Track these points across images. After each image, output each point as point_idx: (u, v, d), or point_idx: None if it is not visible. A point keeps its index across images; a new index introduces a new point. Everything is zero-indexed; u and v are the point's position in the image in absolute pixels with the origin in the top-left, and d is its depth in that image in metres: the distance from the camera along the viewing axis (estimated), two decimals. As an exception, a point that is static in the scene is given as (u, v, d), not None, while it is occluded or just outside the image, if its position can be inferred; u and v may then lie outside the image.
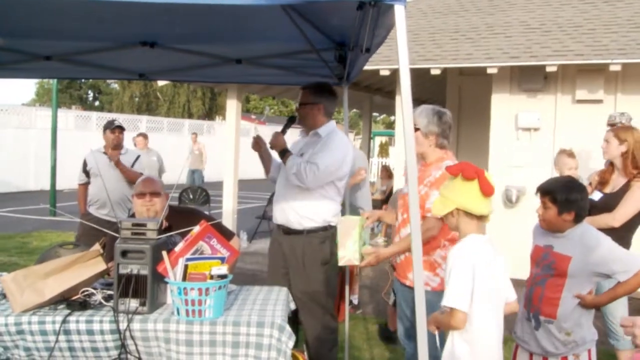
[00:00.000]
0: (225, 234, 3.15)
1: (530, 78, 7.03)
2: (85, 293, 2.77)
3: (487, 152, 7.26)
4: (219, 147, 15.83)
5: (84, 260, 2.80)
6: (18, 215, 12.93)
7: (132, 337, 2.55)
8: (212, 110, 40.13)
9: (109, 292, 2.79)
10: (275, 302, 2.90)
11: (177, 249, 2.69)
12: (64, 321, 2.55)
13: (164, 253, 2.64)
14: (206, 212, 5.31)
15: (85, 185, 5.68)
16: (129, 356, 2.56)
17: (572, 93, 6.94)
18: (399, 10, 2.01)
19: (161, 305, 2.75)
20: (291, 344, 2.56)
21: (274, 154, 3.79)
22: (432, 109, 3.11)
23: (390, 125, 37.00)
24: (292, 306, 3.19)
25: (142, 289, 2.61)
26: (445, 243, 2.99)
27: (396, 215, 3.33)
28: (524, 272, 2.96)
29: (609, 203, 3.77)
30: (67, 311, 2.61)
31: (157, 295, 2.70)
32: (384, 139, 28.45)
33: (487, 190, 2.38)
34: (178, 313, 2.58)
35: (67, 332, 2.55)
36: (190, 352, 2.55)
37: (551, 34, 7.44)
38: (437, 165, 3.04)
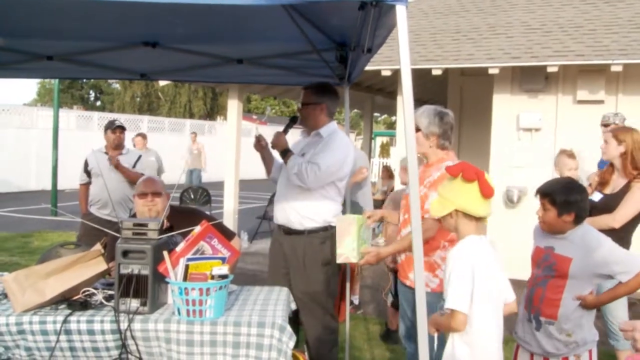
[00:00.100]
0: (226, 234, 3.15)
1: (531, 78, 7.02)
2: (86, 293, 2.77)
3: (489, 153, 7.26)
4: (220, 147, 15.82)
5: (85, 260, 2.80)
6: (19, 215, 12.94)
7: (133, 337, 2.55)
8: (214, 111, 40.13)
9: (110, 292, 2.79)
10: (276, 302, 2.90)
11: (178, 249, 2.70)
12: (65, 321, 2.55)
13: (165, 253, 2.64)
14: (207, 212, 5.32)
15: (86, 185, 5.68)
16: (129, 356, 2.57)
17: (573, 93, 6.93)
18: (400, 11, 2.01)
19: (162, 305, 2.75)
20: (292, 344, 2.56)
21: (276, 154, 3.79)
22: (434, 109, 3.10)
23: (392, 125, 36.99)
24: (293, 306, 3.19)
25: (143, 289, 2.61)
26: (445, 244, 2.99)
27: (399, 215, 3.33)
28: (525, 272, 2.96)
29: (609, 204, 3.77)
30: (68, 311, 2.62)
31: (158, 295, 2.70)
32: (385, 139, 28.45)
33: (487, 192, 2.37)
34: (179, 313, 2.58)
35: (68, 332, 2.55)
36: (191, 352, 2.55)
37: (552, 34, 7.44)
38: (438, 166, 3.03)
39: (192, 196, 10.64)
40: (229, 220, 8.63)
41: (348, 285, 4.17)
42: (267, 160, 3.89)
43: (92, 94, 49.46)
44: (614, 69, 6.40)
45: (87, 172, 5.64)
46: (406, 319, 3.29)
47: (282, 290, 3.15)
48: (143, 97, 40.57)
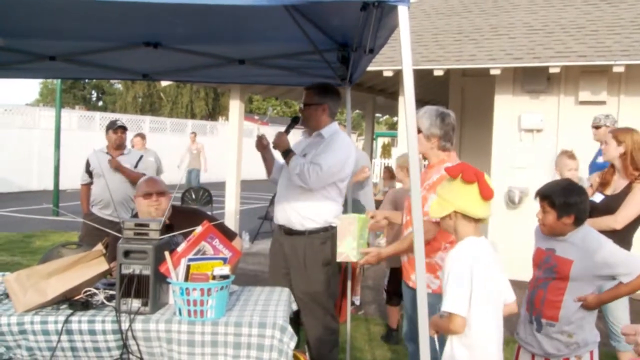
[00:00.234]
0: (228, 235, 3.15)
1: (533, 79, 7.03)
2: (88, 293, 2.77)
3: (490, 153, 7.26)
4: (221, 147, 15.83)
5: (86, 260, 2.80)
6: (21, 215, 12.96)
7: (134, 338, 2.55)
8: (215, 111, 40.17)
9: (111, 292, 2.79)
10: (277, 302, 2.90)
11: (180, 249, 2.70)
12: (66, 321, 2.55)
13: (167, 253, 2.64)
14: (209, 213, 5.33)
15: (88, 186, 5.69)
16: (130, 356, 2.57)
17: (575, 94, 6.93)
18: (402, 11, 2.01)
19: (163, 305, 2.75)
20: (293, 344, 2.56)
21: (277, 155, 3.79)
22: (436, 110, 3.09)
23: (393, 126, 37.00)
24: (294, 307, 3.19)
25: (145, 289, 2.61)
26: (447, 246, 2.98)
27: (402, 215, 3.33)
28: (527, 273, 2.95)
29: (611, 205, 3.76)
30: (70, 311, 2.62)
31: (159, 295, 2.70)
32: (386, 140, 28.46)
33: (486, 193, 2.36)
34: (180, 313, 2.59)
35: (69, 332, 2.56)
36: (192, 352, 2.55)
37: (554, 35, 7.44)
38: (438, 169, 3.02)
39: (194, 196, 10.65)
40: (231, 221, 8.64)
41: (349, 285, 4.17)
42: (268, 160, 3.89)
43: (94, 94, 49.52)
44: (616, 69, 6.40)
45: (89, 173, 5.64)
46: (408, 320, 3.29)
47: (283, 291, 3.15)
48: (145, 98, 40.61)
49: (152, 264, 2.61)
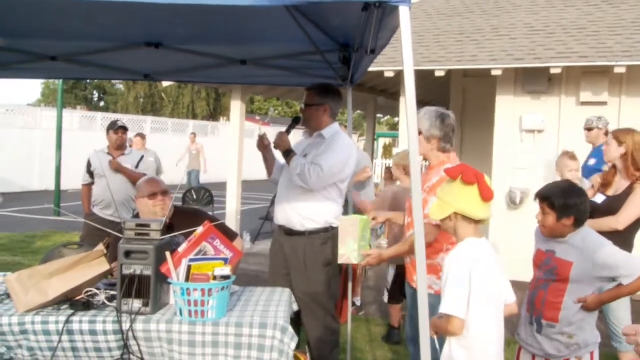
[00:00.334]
0: (229, 235, 3.16)
1: (534, 80, 7.02)
2: (89, 293, 2.78)
3: (491, 154, 7.25)
4: (223, 148, 15.85)
5: (87, 261, 2.80)
6: (22, 215, 12.97)
7: (135, 338, 2.55)
8: (217, 111, 40.19)
9: (113, 292, 2.80)
10: (278, 303, 2.90)
11: (181, 249, 2.70)
12: (67, 321, 2.56)
13: (168, 254, 2.64)
14: (210, 213, 5.33)
15: (89, 186, 5.69)
16: (131, 357, 2.57)
17: (577, 95, 6.93)
18: (403, 12, 2.00)
19: (164, 305, 2.75)
20: (293, 345, 2.56)
21: (278, 155, 3.79)
22: (435, 111, 3.08)
23: (395, 126, 36.98)
24: (295, 307, 3.19)
25: (146, 290, 2.62)
26: (449, 247, 2.98)
27: (404, 216, 3.33)
28: (528, 274, 2.95)
29: (612, 206, 3.76)
30: (71, 311, 2.62)
31: (160, 295, 2.71)
32: (388, 140, 28.47)
33: (487, 195, 2.35)
34: (181, 314, 2.59)
35: (70, 332, 2.56)
36: (193, 353, 2.55)
37: (555, 36, 7.44)
38: (438, 170, 3.02)
39: (195, 197, 10.65)
40: (232, 221, 8.64)
41: (350, 286, 4.17)
42: (269, 160, 3.89)
43: (96, 95, 49.55)
44: (617, 70, 6.39)
45: (90, 173, 5.65)
46: (411, 321, 3.29)
47: (284, 292, 3.15)
48: (146, 98, 40.63)
49: (153, 264, 2.61)
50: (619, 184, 3.85)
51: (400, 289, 4.83)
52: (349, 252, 3.02)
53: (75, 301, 2.71)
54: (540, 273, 2.81)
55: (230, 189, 9.04)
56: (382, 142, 27.67)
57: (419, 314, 2.18)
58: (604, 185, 3.95)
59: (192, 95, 38.48)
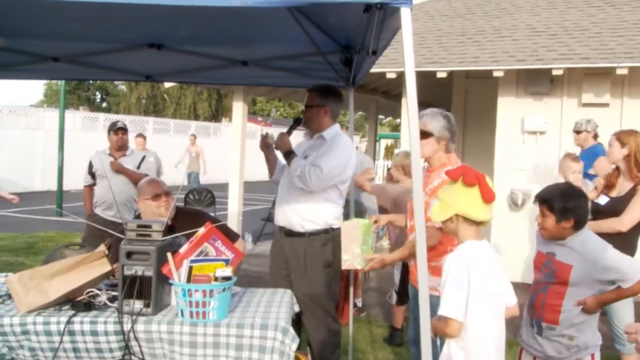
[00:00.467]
0: (230, 236, 3.15)
1: (536, 81, 7.02)
2: (90, 294, 2.78)
3: (493, 155, 7.25)
4: (224, 149, 15.83)
5: (89, 261, 2.81)
6: (24, 215, 12.98)
7: (136, 339, 2.55)
8: (219, 112, 40.22)
9: (114, 293, 2.79)
10: (279, 304, 2.90)
11: (182, 250, 2.70)
12: (69, 322, 2.56)
13: (169, 255, 2.64)
14: (211, 214, 5.32)
15: (90, 187, 5.69)
16: (132, 357, 2.57)
17: (579, 96, 6.92)
18: (405, 13, 2.00)
19: (165, 306, 2.76)
20: (294, 346, 2.56)
21: (279, 156, 3.79)
22: (440, 112, 3.07)
23: (396, 127, 36.97)
24: (296, 308, 3.19)
25: (147, 291, 2.62)
26: (452, 249, 2.97)
27: (405, 219, 3.32)
28: (529, 275, 2.95)
29: (616, 207, 3.75)
30: (72, 312, 2.62)
31: (162, 296, 2.71)
32: (389, 141, 28.47)
33: (488, 196, 2.34)
34: (182, 315, 2.59)
35: (71, 333, 2.56)
36: (194, 353, 2.55)
37: (557, 37, 7.43)
38: (439, 173, 3.01)
39: (197, 198, 10.65)
40: (233, 222, 8.64)
41: (351, 287, 4.16)
42: (271, 161, 3.89)
43: (98, 96, 49.61)
44: (619, 72, 6.39)
45: (92, 174, 5.65)
46: (415, 323, 3.28)
47: (286, 293, 3.15)
48: (149, 99, 40.69)
49: (154, 265, 2.61)
50: (622, 186, 3.85)
51: (406, 290, 4.81)
52: (351, 257, 3.02)
53: (76, 302, 2.71)
54: (540, 275, 2.80)
55: (232, 190, 9.04)
56: (383, 143, 27.67)
57: (420, 315, 2.17)
58: (607, 187, 3.94)
59: (194, 96, 38.53)
